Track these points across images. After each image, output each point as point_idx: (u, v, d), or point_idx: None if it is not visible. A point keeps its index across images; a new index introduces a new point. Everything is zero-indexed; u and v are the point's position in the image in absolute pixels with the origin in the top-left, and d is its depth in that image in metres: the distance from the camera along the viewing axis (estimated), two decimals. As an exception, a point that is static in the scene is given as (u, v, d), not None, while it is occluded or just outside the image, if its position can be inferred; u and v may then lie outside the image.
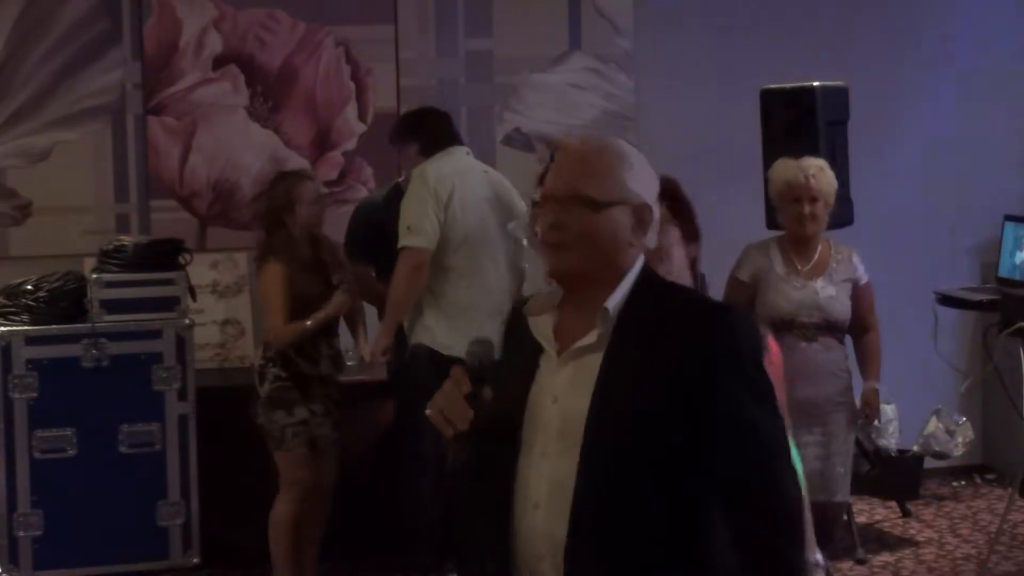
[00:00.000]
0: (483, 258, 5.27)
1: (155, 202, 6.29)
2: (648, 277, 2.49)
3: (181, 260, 5.74)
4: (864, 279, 5.03)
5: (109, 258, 5.65)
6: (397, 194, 5.46)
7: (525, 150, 6.51)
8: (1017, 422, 6.10)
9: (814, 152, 5.24)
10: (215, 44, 6.29)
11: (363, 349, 5.57)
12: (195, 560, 5.64)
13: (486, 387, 2.47)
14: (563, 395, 2.44)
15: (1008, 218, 6.55)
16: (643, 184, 2.49)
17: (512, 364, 2.54)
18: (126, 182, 6.26)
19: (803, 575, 2.45)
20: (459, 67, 6.57)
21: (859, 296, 5.01)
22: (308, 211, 5.19)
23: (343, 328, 5.45)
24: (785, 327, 4.87)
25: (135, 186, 6.27)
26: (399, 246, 5.23)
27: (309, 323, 5.11)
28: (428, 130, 5.43)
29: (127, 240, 5.78)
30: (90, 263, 5.78)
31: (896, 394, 6.16)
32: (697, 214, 2.84)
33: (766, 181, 5.24)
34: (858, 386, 5.14)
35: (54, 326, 5.54)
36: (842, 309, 4.94)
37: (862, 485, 6.47)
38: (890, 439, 6.53)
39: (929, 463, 6.81)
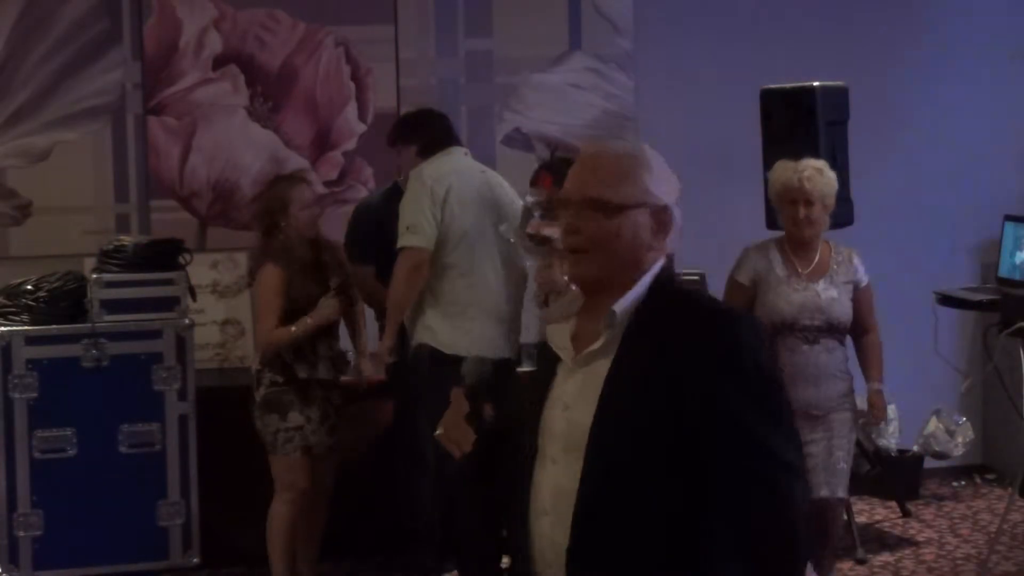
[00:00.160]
0: (482, 257, 5.27)
1: (155, 202, 6.29)
2: (664, 281, 2.46)
3: (181, 260, 5.74)
4: (864, 281, 5.02)
5: (109, 258, 5.65)
6: (396, 194, 5.46)
7: (525, 150, 6.51)
8: (1017, 422, 6.10)
9: (814, 152, 5.24)
10: (215, 44, 6.30)
11: (364, 362, 5.48)
12: (195, 560, 5.64)
13: (486, 405, 2.46)
14: (572, 402, 2.43)
15: (1008, 218, 6.55)
16: (662, 186, 2.46)
17: (537, 372, 2.54)
18: (126, 182, 6.26)
19: None
20: (459, 67, 6.57)
21: (860, 298, 5.01)
22: (302, 215, 5.17)
23: (343, 331, 5.43)
24: (786, 329, 4.87)
25: (135, 186, 6.27)
26: (398, 246, 5.23)
27: (294, 328, 5.09)
28: (426, 131, 5.43)
29: (127, 240, 5.78)
30: (90, 263, 5.77)
31: (896, 394, 6.15)
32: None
33: (766, 181, 5.24)
34: (858, 386, 5.13)
35: (54, 326, 5.54)
36: (844, 311, 4.93)
37: (862, 485, 6.48)
38: (890, 439, 6.53)
39: (929, 463, 6.81)
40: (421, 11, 6.53)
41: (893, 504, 6.63)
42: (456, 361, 5.23)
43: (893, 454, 6.59)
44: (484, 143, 6.35)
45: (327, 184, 6.36)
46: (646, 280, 2.44)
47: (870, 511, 6.59)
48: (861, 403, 5.12)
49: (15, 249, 6.15)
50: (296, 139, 6.40)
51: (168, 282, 5.64)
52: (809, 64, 6.11)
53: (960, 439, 6.66)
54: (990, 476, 7.06)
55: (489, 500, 5.27)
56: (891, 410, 6.32)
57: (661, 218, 2.45)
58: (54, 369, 5.49)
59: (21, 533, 5.50)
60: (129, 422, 5.55)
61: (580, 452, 2.37)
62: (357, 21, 6.45)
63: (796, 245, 4.97)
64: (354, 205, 6.00)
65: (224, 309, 6.20)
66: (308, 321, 5.10)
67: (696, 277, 5.71)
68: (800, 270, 4.94)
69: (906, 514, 6.54)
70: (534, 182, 5.25)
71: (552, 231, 4.87)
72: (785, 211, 4.93)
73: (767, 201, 5.35)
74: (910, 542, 6.21)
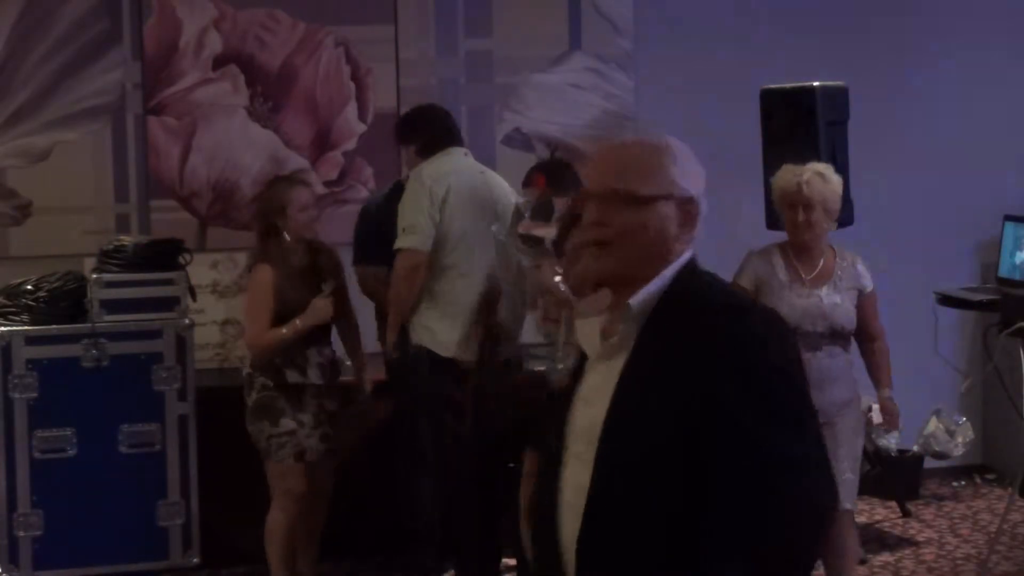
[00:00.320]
0: (481, 258, 5.27)
1: (155, 202, 6.29)
2: (687, 274, 2.41)
3: (181, 260, 5.74)
4: (870, 287, 4.95)
5: (109, 258, 5.65)
6: (400, 193, 5.46)
7: (525, 150, 6.51)
8: (1017, 422, 6.10)
9: (814, 152, 5.23)
10: (215, 44, 6.29)
11: (363, 377, 5.40)
12: (195, 560, 5.64)
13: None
14: (592, 397, 2.40)
15: (1008, 218, 6.55)
16: (688, 177, 2.41)
17: (577, 366, 2.51)
18: (126, 182, 6.26)
19: None
20: (459, 67, 6.57)
21: (864, 304, 4.93)
22: (299, 217, 5.11)
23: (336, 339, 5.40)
24: None
25: (135, 186, 6.27)
26: (395, 247, 5.23)
27: (284, 330, 5.04)
28: (426, 131, 5.42)
29: (127, 240, 5.78)
30: (90, 263, 5.77)
31: (896, 394, 6.15)
32: None
33: (766, 181, 5.23)
34: (865, 390, 5.11)
35: (54, 326, 5.54)
36: (848, 317, 4.87)
37: (862, 485, 6.46)
38: (890, 439, 6.53)
39: (929, 463, 6.81)
40: (421, 11, 6.53)
41: (893, 504, 6.63)
42: (453, 363, 5.24)
43: (893, 454, 6.59)
44: (484, 143, 6.34)
45: (327, 184, 6.36)
46: (668, 273, 2.39)
47: (870, 511, 6.59)
48: (865, 405, 5.07)
49: (15, 249, 6.15)
50: (296, 139, 6.40)
51: (168, 282, 5.64)
52: (809, 64, 6.10)
53: (960, 439, 6.66)
54: (990, 476, 7.06)
55: (489, 500, 5.28)
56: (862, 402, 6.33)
57: (687, 210, 2.40)
58: (54, 369, 5.50)
59: (21, 533, 5.50)
60: (129, 422, 5.55)
61: (595, 448, 2.35)
62: (357, 21, 6.45)
63: (799, 250, 4.91)
64: (353, 205, 6.00)
65: (224, 309, 6.20)
66: (297, 323, 5.05)
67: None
68: (803, 275, 4.88)
69: (906, 514, 6.54)
70: (527, 183, 5.24)
71: (543, 232, 4.86)
72: (786, 215, 4.89)
73: (767, 201, 5.34)
74: (910, 542, 6.21)
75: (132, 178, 6.26)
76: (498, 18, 6.59)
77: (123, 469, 5.54)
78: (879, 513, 6.59)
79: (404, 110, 6.00)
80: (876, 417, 5.10)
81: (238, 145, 6.33)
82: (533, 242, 4.92)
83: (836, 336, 4.85)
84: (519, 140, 6.59)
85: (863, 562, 5.87)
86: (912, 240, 6.87)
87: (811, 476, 2.31)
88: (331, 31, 6.41)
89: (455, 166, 5.34)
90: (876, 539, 6.21)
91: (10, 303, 5.58)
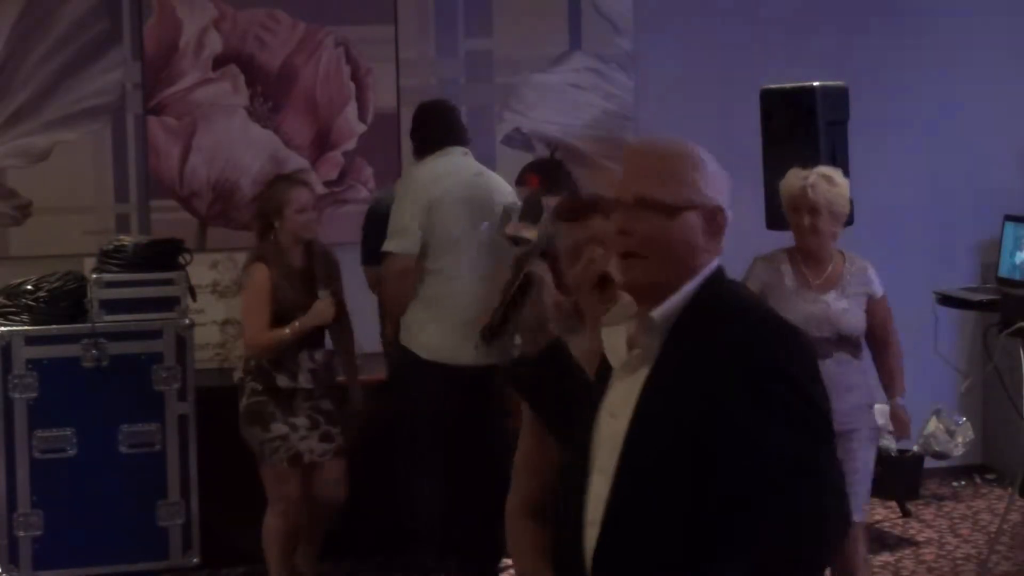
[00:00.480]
0: (472, 262, 5.23)
1: (155, 202, 6.29)
2: (713, 285, 2.39)
3: (181, 260, 5.74)
4: (880, 292, 4.86)
5: (109, 258, 5.65)
6: None
7: (525, 150, 6.51)
8: (1017, 422, 6.10)
9: (814, 152, 5.22)
10: (215, 44, 6.29)
11: (355, 385, 5.36)
12: (195, 560, 5.64)
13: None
14: (616, 410, 2.38)
15: (1008, 218, 6.55)
16: (714, 186, 2.39)
17: (601, 376, 2.48)
18: (126, 182, 6.26)
19: None
20: (459, 67, 6.57)
21: (875, 310, 4.84)
22: (297, 217, 5.09)
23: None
24: None
25: (135, 186, 6.27)
26: (382, 250, 5.22)
27: (287, 331, 5.03)
28: (421, 131, 5.41)
29: (127, 240, 5.78)
30: (90, 263, 5.77)
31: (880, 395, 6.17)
32: None
33: (766, 182, 5.23)
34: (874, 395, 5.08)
35: (54, 326, 5.54)
36: (856, 323, 4.77)
37: (862, 485, 6.48)
38: (890, 439, 6.52)
39: (929, 463, 6.81)
40: (421, 11, 6.53)
41: (893, 504, 6.63)
42: (439, 367, 5.22)
43: (893, 454, 6.59)
44: (484, 143, 6.33)
45: (327, 184, 6.36)
46: (692, 284, 2.37)
47: (870, 511, 6.58)
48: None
49: (15, 249, 6.15)
50: (296, 139, 6.40)
51: (168, 282, 5.64)
52: (809, 64, 6.11)
53: (960, 439, 6.66)
54: (990, 476, 7.06)
55: (490, 500, 5.28)
56: (876, 410, 6.32)
57: (714, 219, 2.38)
58: (54, 369, 5.49)
59: (21, 533, 5.50)
60: (129, 422, 5.55)
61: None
62: (357, 21, 6.44)
63: (806, 255, 4.81)
64: (353, 205, 6.00)
65: (224, 309, 6.20)
66: (296, 324, 5.03)
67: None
68: (811, 281, 4.78)
69: (906, 514, 6.54)
70: (520, 182, 5.23)
71: (531, 233, 4.84)
72: (792, 220, 4.79)
73: (767, 202, 5.34)
74: (910, 542, 6.21)
75: (132, 178, 6.26)
76: (498, 18, 6.59)
77: (123, 469, 5.54)
78: (879, 513, 6.58)
79: (404, 110, 6.00)
80: (879, 419, 5.04)
81: (238, 145, 6.32)
82: (520, 243, 4.90)
83: (844, 342, 4.75)
84: (519, 140, 6.59)
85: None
86: (912, 240, 6.87)
87: (826, 492, 2.29)
88: (331, 31, 6.41)
89: (449, 168, 5.28)
90: (876, 539, 6.21)
91: (10, 303, 5.58)
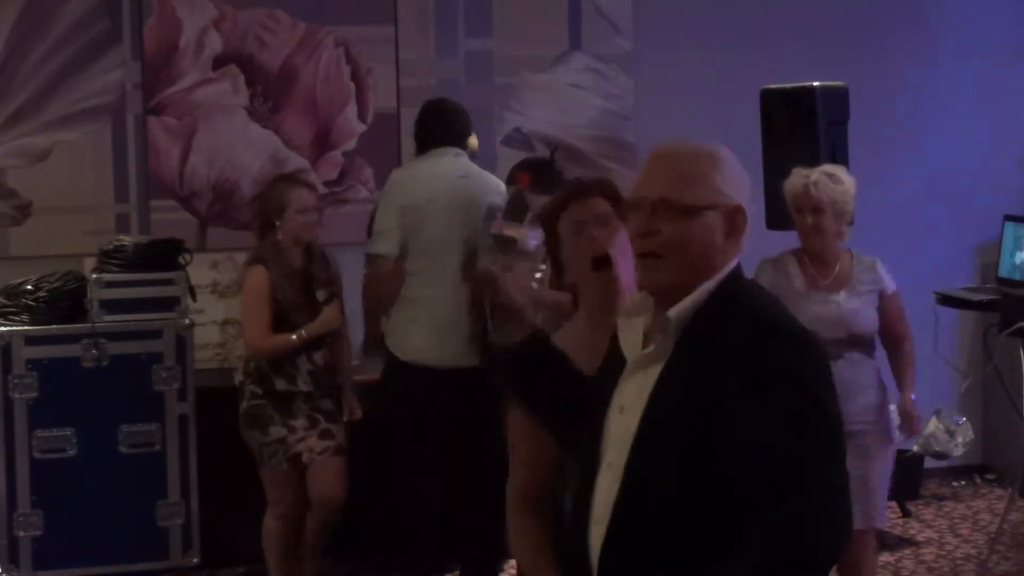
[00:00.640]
0: (454, 265, 5.20)
1: (155, 202, 6.29)
2: (730, 285, 2.39)
3: (181, 260, 5.74)
4: (891, 288, 4.80)
5: (109, 258, 5.65)
6: None
7: (525, 150, 6.50)
8: (1017, 422, 6.09)
9: (814, 152, 5.21)
10: (215, 44, 6.29)
11: (348, 392, 5.29)
12: (195, 560, 5.64)
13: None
14: (628, 406, 2.38)
15: (1008, 218, 6.55)
16: (735, 186, 2.40)
17: (610, 368, 2.48)
18: (126, 182, 6.26)
19: None
20: (459, 67, 6.57)
21: (887, 306, 4.78)
22: (298, 218, 5.06)
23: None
24: None
25: (135, 186, 6.27)
26: (366, 252, 5.22)
27: (294, 337, 5.00)
28: (420, 131, 5.41)
29: (127, 240, 5.78)
30: (90, 263, 5.77)
31: (896, 394, 6.16)
32: None
33: (766, 181, 5.23)
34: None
35: (54, 326, 5.54)
36: (867, 322, 4.72)
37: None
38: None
39: (929, 463, 6.81)
40: (421, 11, 6.52)
41: (893, 504, 6.62)
42: (420, 369, 5.21)
43: (893, 454, 6.59)
44: (484, 143, 6.31)
45: (327, 184, 6.35)
46: (710, 284, 2.37)
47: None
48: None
49: (15, 249, 6.15)
50: (296, 139, 6.40)
51: (168, 282, 5.64)
52: (809, 64, 6.10)
53: (960, 439, 6.66)
54: (990, 476, 7.07)
55: (490, 500, 5.27)
56: (891, 410, 6.32)
57: (734, 220, 2.39)
58: (54, 369, 5.50)
59: (21, 533, 5.50)
60: (129, 422, 5.55)
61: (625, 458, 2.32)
62: (357, 21, 6.44)
63: (812, 255, 4.75)
64: (353, 205, 6.00)
65: (224, 309, 6.20)
66: (303, 333, 5.00)
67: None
68: (820, 281, 4.73)
69: (906, 514, 6.54)
70: (511, 181, 5.21)
71: (515, 232, 4.83)
72: (796, 220, 4.74)
73: (767, 202, 5.33)
74: (910, 542, 6.21)
75: (132, 178, 6.26)
76: (498, 18, 6.59)
77: (123, 469, 5.54)
78: (879, 513, 6.58)
79: (404, 110, 6.00)
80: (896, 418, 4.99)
81: (238, 145, 6.32)
82: (505, 242, 4.89)
83: (856, 343, 4.69)
84: (519, 140, 6.59)
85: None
86: (912, 240, 6.87)
87: (829, 493, 2.28)
88: (331, 31, 6.41)
89: (438, 169, 5.26)
90: (876, 539, 6.20)
91: (10, 303, 5.58)
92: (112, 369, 5.53)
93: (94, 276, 5.59)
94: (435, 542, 5.59)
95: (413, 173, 5.30)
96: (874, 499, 4.69)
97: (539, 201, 4.80)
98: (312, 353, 5.11)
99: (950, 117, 6.99)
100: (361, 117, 6.45)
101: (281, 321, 5.04)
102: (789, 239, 4.88)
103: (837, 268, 4.76)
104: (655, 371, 2.36)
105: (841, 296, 4.71)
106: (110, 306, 5.56)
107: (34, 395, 5.49)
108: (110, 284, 5.58)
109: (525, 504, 2.83)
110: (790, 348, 2.33)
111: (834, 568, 2.90)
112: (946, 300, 6.39)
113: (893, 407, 4.87)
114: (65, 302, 5.61)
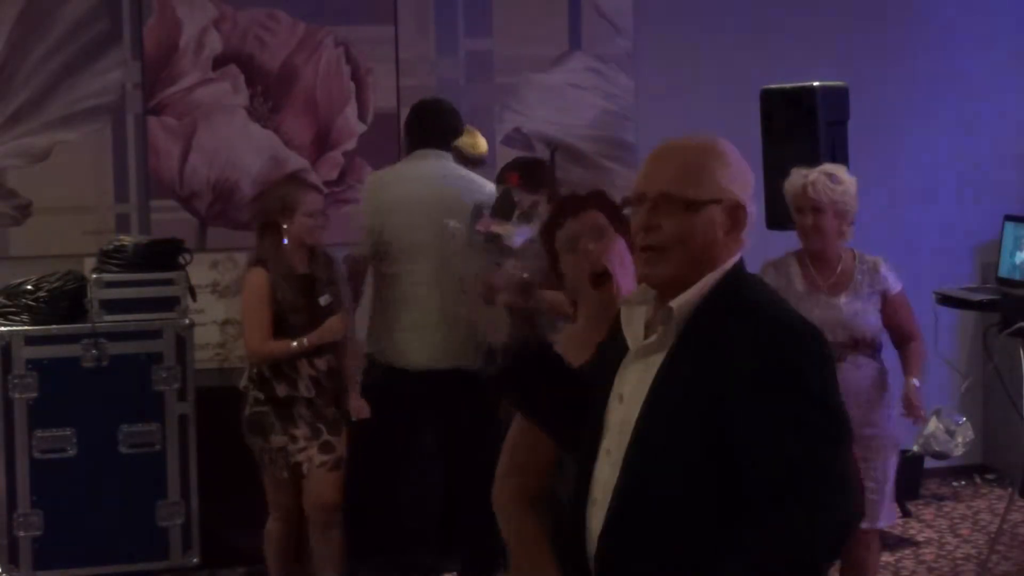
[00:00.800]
0: (432, 267, 5.19)
1: (155, 202, 6.29)
2: (732, 279, 2.41)
3: (181, 260, 5.74)
4: (895, 288, 4.74)
5: (109, 258, 5.65)
6: None
7: (525, 150, 6.51)
8: (1017, 422, 6.10)
9: (814, 152, 5.21)
10: (215, 44, 6.29)
11: (358, 404, 5.18)
12: (195, 560, 5.64)
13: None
14: (628, 394, 2.40)
15: (1008, 218, 6.55)
16: (738, 182, 2.42)
17: (610, 356, 2.49)
18: (126, 182, 6.26)
19: None
20: (459, 67, 6.57)
21: (894, 306, 4.72)
22: (306, 221, 5.00)
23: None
24: None
25: (135, 186, 6.27)
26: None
27: (295, 345, 4.93)
28: (406, 132, 5.43)
29: (127, 240, 5.78)
30: (90, 263, 5.77)
31: (896, 394, 6.16)
32: None
33: (766, 181, 5.22)
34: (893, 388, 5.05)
35: (54, 326, 5.54)
36: (870, 325, 4.67)
37: (862, 485, 6.47)
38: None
39: (929, 463, 6.81)
40: (421, 11, 6.53)
41: (893, 504, 6.62)
42: (408, 374, 5.21)
43: (893, 453, 6.58)
44: (484, 143, 6.34)
45: (327, 184, 6.35)
46: (712, 278, 2.39)
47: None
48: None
49: (15, 249, 6.15)
50: (296, 139, 6.40)
51: (168, 282, 5.64)
52: (809, 64, 6.10)
53: (960, 439, 6.64)
54: (990, 476, 7.07)
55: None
56: (895, 414, 6.31)
57: (735, 215, 2.41)
58: (54, 369, 5.50)
59: (21, 533, 5.50)
60: (129, 422, 5.55)
61: (625, 445, 2.34)
62: (357, 21, 6.44)
63: (813, 256, 4.71)
64: (354, 205, 5.99)
65: (224, 309, 6.20)
66: (305, 341, 4.92)
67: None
68: (821, 283, 4.70)
69: (906, 514, 6.54)
70: (500, 180, 5.21)
71: (502, 229, 4.82)
72: (797, 220, 4.71)
73: (767, 202, 5.33)
74: (910, 542, 6.21)
75: (132, 178, 6.26)
76: (498, 18, 6.59)
77: (123, 469, 5.54)
78: (879, 513, 6.58)
79: (404, 110, 6.00)
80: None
81: (238, 145, 6.32)
82: (491, 240, 4.88)
83: (859, 345, 4.65)
84: (519, 140, 6.59)
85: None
86: (912, 240, 6.87)
87: (832, 491, 2.28)
88: (331, 31, 6.41)
89: (418, 171, 5.26)
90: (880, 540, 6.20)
91: (10, 303, 5.58)
92: (112, 369, 5.53)
93: (94, 276, 5.59)
94: (435, 542, 5.59)
95: (390, 175, 5.35)
96: (878, 500, 4.68)
97: (528, 200, 4.82)
98: (314, 359, 5.03)
99: (950, 117, 6.99)
100: (361, 117, 6.46)
101: (283, 322, 5.02)
102: (789, 239, 4.88)
103: (838, 269, 4.73)
104: (656, 362, 2.38)
105: (843, 299, 4.68)
106: (110, 306, 5.56)
107: (34, 395, 5.49)
108: (110, 284, 5.58)
109: (524, 503, 2.83)
110: (792, 343, 2.34)
111: (834, 568, 2.89)
112: (946, 300, 6.39)
113: (896, 412, 4.85)
114: (65, 302, 5.61)
